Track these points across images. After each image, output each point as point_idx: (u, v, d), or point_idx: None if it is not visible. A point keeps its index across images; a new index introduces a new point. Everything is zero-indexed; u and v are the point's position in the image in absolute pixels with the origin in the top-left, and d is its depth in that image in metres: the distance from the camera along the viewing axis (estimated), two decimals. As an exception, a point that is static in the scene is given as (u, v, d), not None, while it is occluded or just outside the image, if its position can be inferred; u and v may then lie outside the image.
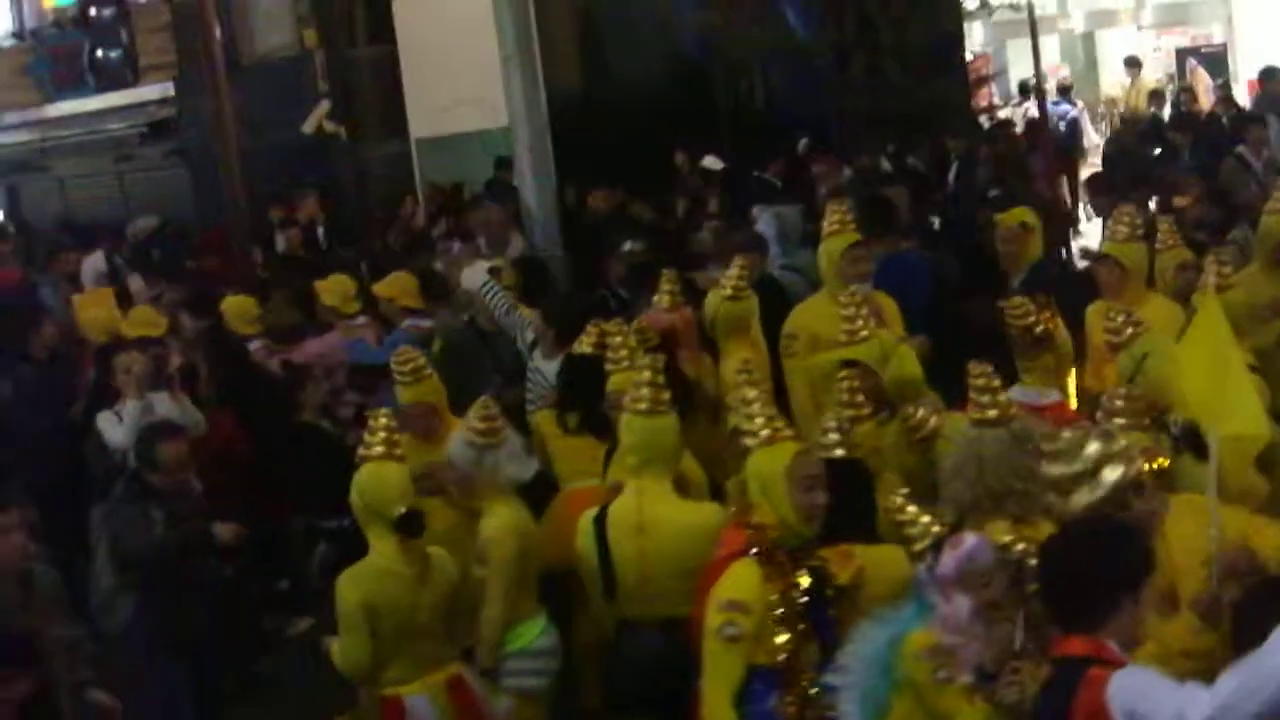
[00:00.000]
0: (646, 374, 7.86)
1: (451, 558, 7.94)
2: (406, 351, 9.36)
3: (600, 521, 7.75)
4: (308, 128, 22.95)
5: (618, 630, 7.85)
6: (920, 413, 7.81)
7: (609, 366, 9.22)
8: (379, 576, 7.62)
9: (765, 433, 6.66)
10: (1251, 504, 6.85)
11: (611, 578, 7.68)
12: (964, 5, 25.58)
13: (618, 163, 19.83)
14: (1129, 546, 5.29)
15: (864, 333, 8.76)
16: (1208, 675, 5.10)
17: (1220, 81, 26.74)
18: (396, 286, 12.99)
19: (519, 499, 8.16)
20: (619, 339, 9.36)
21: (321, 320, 13.48)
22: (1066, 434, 6.06)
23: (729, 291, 9.98)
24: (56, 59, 27.69)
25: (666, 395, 7.83)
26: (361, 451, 7.86)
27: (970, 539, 5.83)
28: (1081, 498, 5.92)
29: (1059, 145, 23.37)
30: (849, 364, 8.45)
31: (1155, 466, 6.52)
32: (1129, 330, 8.13)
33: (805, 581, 6.47)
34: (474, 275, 11.89)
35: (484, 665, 7.97)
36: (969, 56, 26.42)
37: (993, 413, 6.86)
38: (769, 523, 6.52)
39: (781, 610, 6.38)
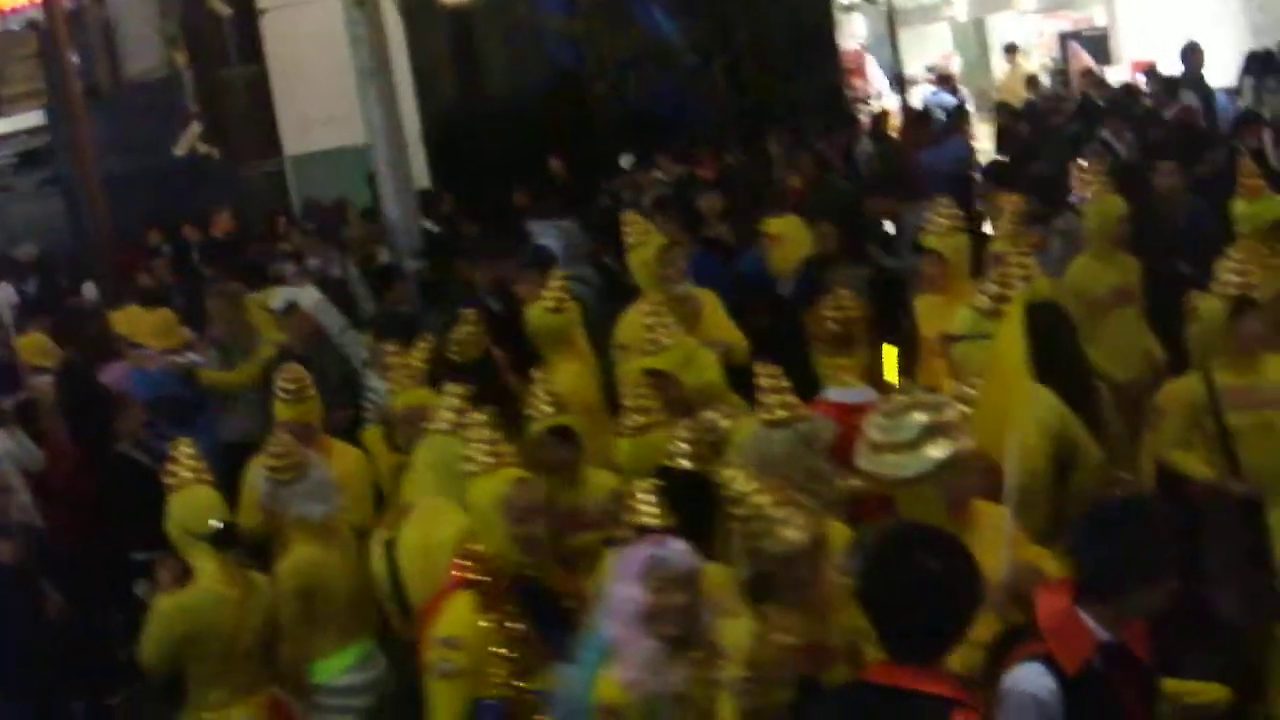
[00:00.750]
0: (453, 400, 7.85)
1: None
2: (293, 369, 9.29)
3: (390, 544, 7.69)
4: (180, 150, 22.91)
5: (404, 653, 7.75)
6: (710, 416, 7.83)
7: (391, 387, 9.23)
8: (204, 600, 7.63)
9: (485, 460, 6.59)
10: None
11: (405, 600, 7.60)
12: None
13: (494, 171, 19.95)
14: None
15: (665, 340, 8.80)
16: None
17: (1083, 67, 26.87)
18: (133, 324, 13.05)
19: (321, 534, 8.05)
20: (396, 359, 9.35)
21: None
22: (899, 398, 5.94)
23: (550, 304, 9.94)
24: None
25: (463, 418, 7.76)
26: (169, 481, 7.87)
27: (675, 542, 5.78)
28: (896, 468, 5.82)
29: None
30: (652, 373, 8.51)
31: None
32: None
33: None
34: (307, 295, 11.90)
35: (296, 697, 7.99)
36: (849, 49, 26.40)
37: (781, 413, 6.88)
38: (488, 552, 6.44)
39: (500, 642, 6.30)
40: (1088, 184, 10.60)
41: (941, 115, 24.14)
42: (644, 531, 6.03)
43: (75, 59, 18.28)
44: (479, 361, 10.11)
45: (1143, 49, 28.24)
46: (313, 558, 7.92)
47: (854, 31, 29.07)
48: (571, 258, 13.99)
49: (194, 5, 22.86)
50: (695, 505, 6.75)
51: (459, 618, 6.28)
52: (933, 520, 5.70)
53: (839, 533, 6.27)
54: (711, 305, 10.46)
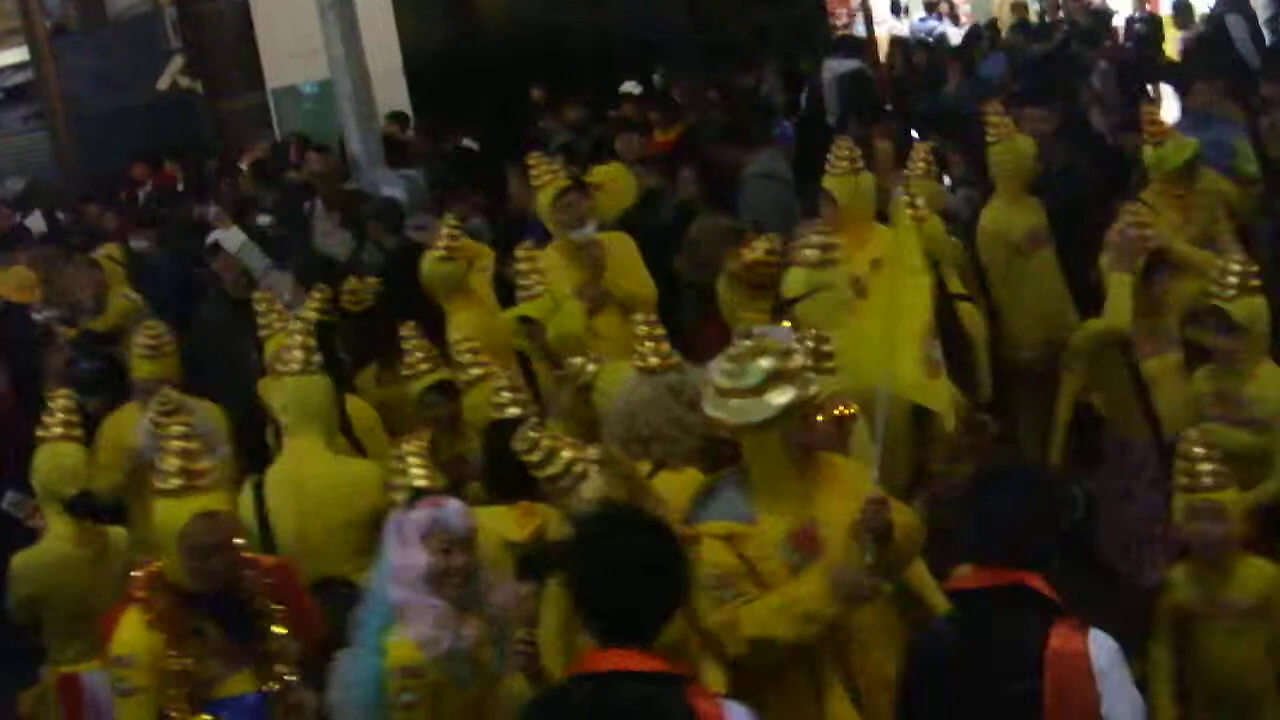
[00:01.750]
0: (298, 336, 7.89)
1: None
2: (152, 325, 9.31)
3: (259, 484, 7.78)
4: (162, 84, 22.94)
5: None
6: (578, 362, 7.88)
7: (262, 333, 9.28)
8: (53, 560, 7.73)
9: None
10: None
11: (270, 537, 7.66)
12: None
13: (479, 103, 20.00)
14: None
15: (537, 289, 8.85)
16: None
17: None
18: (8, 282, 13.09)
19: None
20: (264, 306, 9.42)
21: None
22: (745, 344, 5.85)
23: (440, 252, 9.93)
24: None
25: (317, 356, 7.86)
26: (40, 432, 7.95)
27: (452, 503, 5.81)
28: (740, 414, 5.77)
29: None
30: (524, 320, 8.59)
31: (843, 412, 6.57)
32: (812, 252, 8.23)
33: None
34: (231, 238, 11.95)
35: None
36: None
37: (653, 360, 6.84)
38: (162, 569, 6.17)
39: (173, 662, 6.06)
40: (995, 126, 10.43)
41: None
42: (419, 494, 6.02)
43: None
44: (368, 311, 10.16)
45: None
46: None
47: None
48: (417, 208, 14.16)
49: (177, -60, 22.89)
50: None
51: (131, 636, 6.05)
52: (776, 467, 5.81)
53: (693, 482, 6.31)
54: (622, 251, 10.21)
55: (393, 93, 22.22)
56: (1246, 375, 7.66)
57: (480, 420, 7.84)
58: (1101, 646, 4.82)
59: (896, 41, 22.95)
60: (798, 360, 5.90)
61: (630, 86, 20.16)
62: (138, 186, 20.85)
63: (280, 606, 6.27)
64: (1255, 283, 7.65)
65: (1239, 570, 6.67)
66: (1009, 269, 10.36)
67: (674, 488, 6.18)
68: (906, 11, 26.78)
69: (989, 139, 10.48)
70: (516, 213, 13.05)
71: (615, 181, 12.42)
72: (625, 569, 4.64)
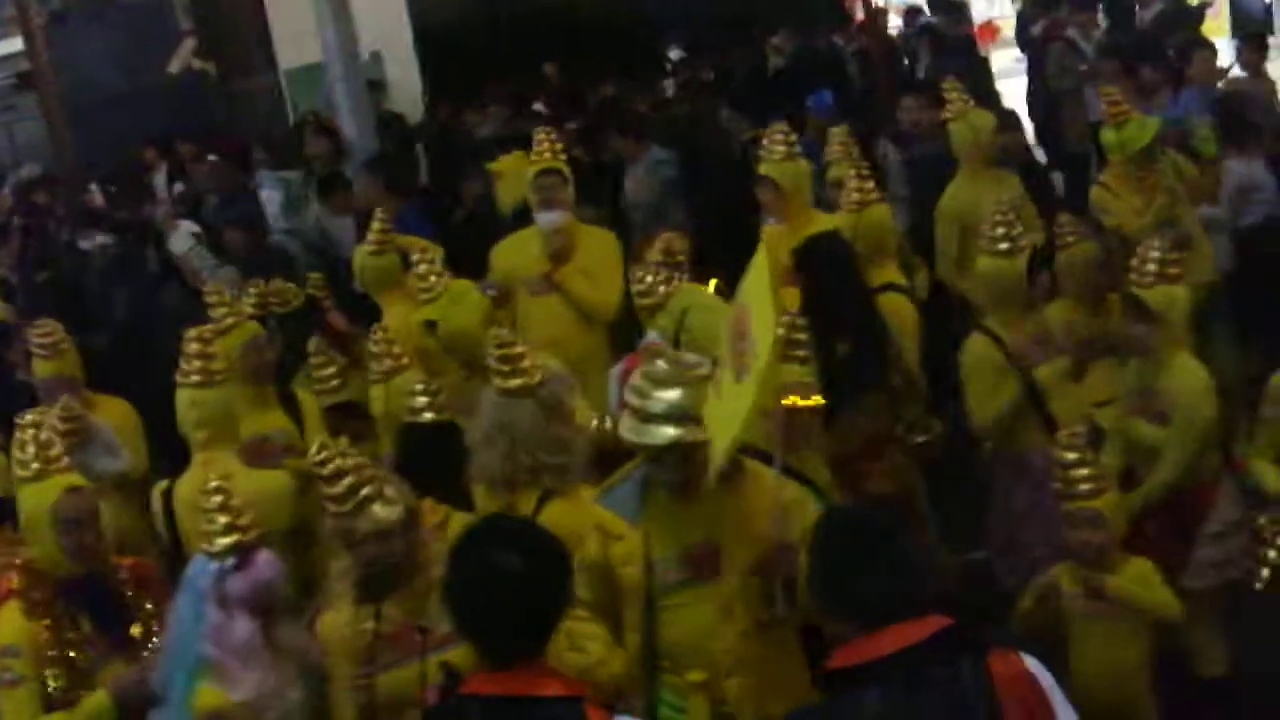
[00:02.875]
0: (194, 346, 7.80)
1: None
2: (47, 324, 9.21)
3: (168, 494, 7.73)
4: (174, 67, 23.00)
5: None
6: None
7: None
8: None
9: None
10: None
11: (180, 547, 7.57)
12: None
13: (489, 77, 20.00)
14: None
15: (438, 289, 8.81)
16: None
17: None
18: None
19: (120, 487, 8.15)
20: (215, 299, 9.14)
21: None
22: (663, 366, 5.80)
23: (371, 246, 9.85)
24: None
25: (217, 365, 7.80)
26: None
27: (261, 558, 5.73)
28: (634, 433, 5.74)
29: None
30: (429, 324, 8.60)
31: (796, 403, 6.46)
32: (661, 289, 8.03)
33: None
34: (179, 239, 11.97)
35: None
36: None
37: (515, 382, 6.54)
38: (33, 558, 6.36)
39: (54, 649, 6.22)
40: (951, 102, 10.37)
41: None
42: (236, 549, 5.82)
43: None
44: (300, 310, 10.10)
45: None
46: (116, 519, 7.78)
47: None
48: (292, 209, 14.26)
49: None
50: (439, 458, 6.75)
51: (11, 627, 6.20)
52: (670, 488, 5.81)
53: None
54: (597, 251, 10.07)
55: (404, 71, 22.37)
56: (1162, 366, 7.47)
57: (390, 417, 7.79)
58: (1037, 664, 4.50)
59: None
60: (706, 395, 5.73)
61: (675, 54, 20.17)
62: (149, 171, 20.88)
63: (149, 604, 6.40)
64: (1175, 271, 7.48)
65: (1120, 573, 6.59)
66: (966, 250, 10.03)
67: (567, 517, 6.06)
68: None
69: (945, 115, 10.42)
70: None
71: (516, 171, 12.10)
72: (497, 583, 4.53)
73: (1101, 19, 19.46)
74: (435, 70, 21.99)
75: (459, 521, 6.33)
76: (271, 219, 14.29)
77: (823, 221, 9.26)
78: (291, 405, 8.85)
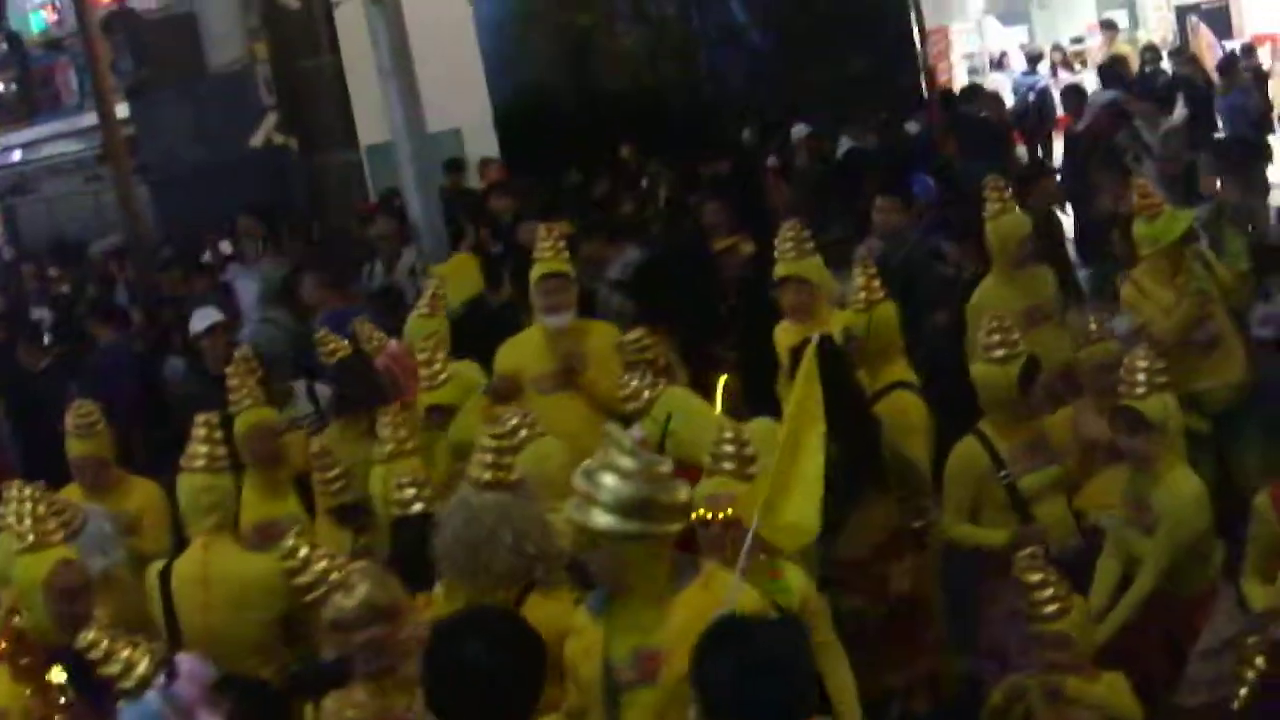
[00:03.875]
0: (201, 431, 7.97)
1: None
2: (84, 404, 9.48)
3: (165, 575, 7.87)
4: (256, 141, 23.34)
5: None
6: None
7: (231, 409, 9.37)
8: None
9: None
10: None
11: (176, 628, 7.76)
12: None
13: (566, 155, 20.22)
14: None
15: (442, 376, 8.96)
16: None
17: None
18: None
19: (102, 586, 7.92)
20: (237, 381, 9.51)
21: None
22: (625, 461, 5.69)
23: (424, 309, 10.29)
24: (39, 82, 28.35)
25: (222, 451, 7.96)
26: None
27: (182, 661, 5.74)
28: (577, 512, 5.70)
29: (1026, 118, 23.18)
30: (433, 409, 8.75)
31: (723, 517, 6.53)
32: (645, 394, 8.16)
33: (60, 678, 6.38)
34: (199, 319, 12.36)
35: None
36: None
37: (488, 475, 6.69)
38: (24, 626, 6.51)
39: (43, 712, 6.34)
40: (992, 199, 10.32)
41: (1030, 97, 24.07)
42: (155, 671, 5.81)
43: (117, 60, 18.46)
44: (346, 361, 10.27)
45: (1265, 20, 27.85)
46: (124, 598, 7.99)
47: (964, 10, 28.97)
48: (269, 300, 14.65)
49: (270, -1, 23.25)
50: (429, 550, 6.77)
51: (1, 690, 6.35)
52: (619, 581, 5.75)
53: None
54: (606, 346, 10.04)
55: (483, 145, 22.67)
56: (1156, 479, 7.50)
57: (387, 500, 7.87)
58: None
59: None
60: (675, 496, 5.75)
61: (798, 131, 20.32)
62: (238, 240, 21.13)
63: None
64: (1163, 379, 7.57)
65: (1088, 688, 6.59)
66: None
67: (545, 611, 6.17)
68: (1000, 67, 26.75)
69: (985, 214, 10.39)
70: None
71: (461, 271, 12.68)
72: (467, 676, 4.66)
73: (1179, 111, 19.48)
74: (513, 148, 22.25)
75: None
76: (247, 309, 14.58)
77: (840, 319, 9.33)
78: (306, 492, 9.00)
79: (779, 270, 9.67)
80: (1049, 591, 6.52)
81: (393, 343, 10.28)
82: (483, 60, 22.73)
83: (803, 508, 6.19)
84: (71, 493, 9.09)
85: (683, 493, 5.78)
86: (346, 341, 10.50)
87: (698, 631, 5.37)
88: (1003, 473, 8.14)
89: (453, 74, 21.73)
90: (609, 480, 5.62)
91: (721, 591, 5.74)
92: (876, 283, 9.13)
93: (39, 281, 23.14)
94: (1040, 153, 22.66)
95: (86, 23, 18.63)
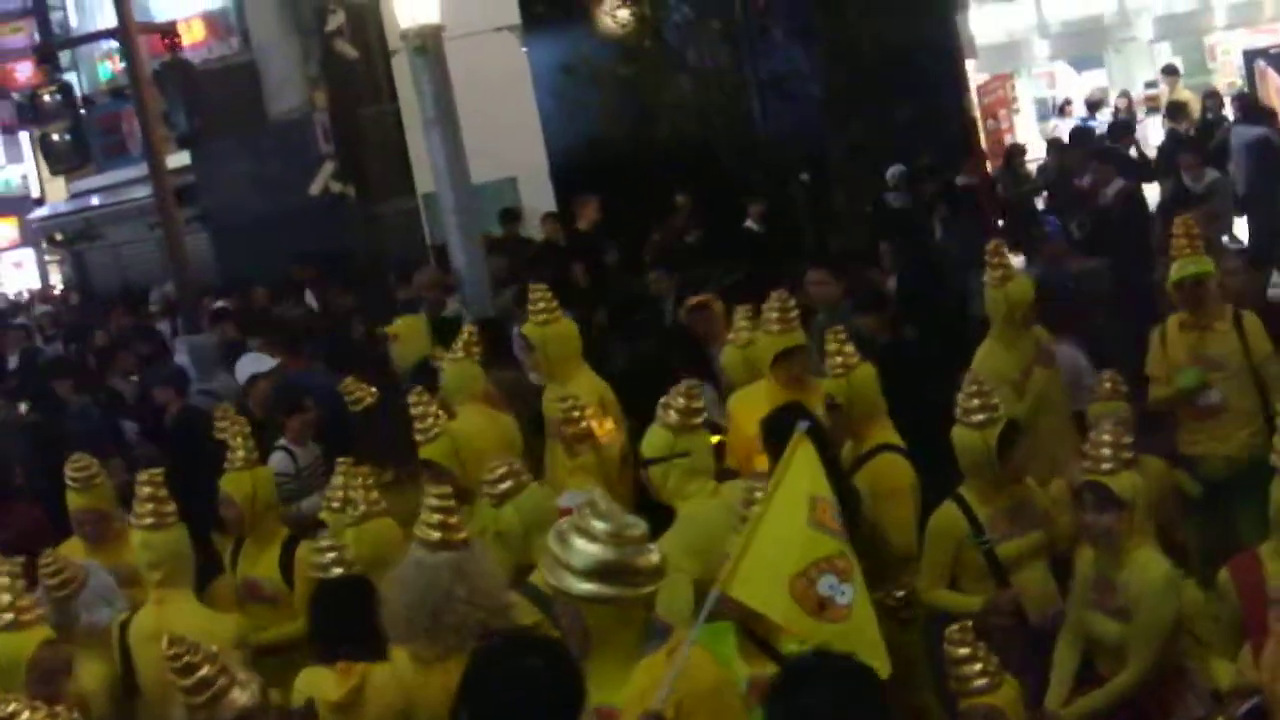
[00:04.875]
0: (146, 489, 8.13)
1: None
2: (82, 458, 9.52)
3: (124, 628, 8.08)
4: (314, 189, 23.75)
5: None
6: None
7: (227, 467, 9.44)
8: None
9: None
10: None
11: (133, 684, 7.98)
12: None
13: (623, 206, 20.50)
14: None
15: (435, 430, 9.17)
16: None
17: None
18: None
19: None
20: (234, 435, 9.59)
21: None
22: (599, 525, 5.76)
23: (459, 353, 10.62)
24: (104, 129, 28.93)
25: (170, 508, 8.12)
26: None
27: None
28: (548, 571, 5.80)
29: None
30: (425, 463, 8.95)
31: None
32: (502, 486, 7.87)
33: None
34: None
35: None
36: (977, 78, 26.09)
37: (437, 535, 6.83)
38: None
39: None
40: (993, 265, 10.37)
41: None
42: None
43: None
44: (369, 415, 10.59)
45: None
46: (102, 671, 8.11)
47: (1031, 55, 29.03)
48: (204, 372, 14.98)
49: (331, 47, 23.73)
50: (352, 614, 7.04)
51: None
52: (589, 642, 5.75)
53: None
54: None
55: (540, 194, 22.98)
56: (1124, 559, 7.33)
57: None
58: None
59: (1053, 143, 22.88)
60: (647, 560, 5.82)
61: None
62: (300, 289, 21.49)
63: None
64: (1129, 455, 7.42)
65: None
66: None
67: None
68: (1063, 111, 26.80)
69: (986, 280, 10.48)
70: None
71: (410, 331, 13.06)
72: (515, 688, 4.89)
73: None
74: (569, 198, 22.57)
75: (380, 675, 6.69)
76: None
77: (824, 387, 9.31)
78: (289, 558, 9.16)
79: (784, 343, 9.73)
80: (977, 666, 6.32)
81: None
82: (539, 110, 22.90)
83: (770, 580, 6.17)
84: (73, 546, 9.29)
85: (654, 556, 5.85)
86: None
87: (652, 697, 5.58)
88: (982, 539, 8.11)
89: (509, 123, 22.06)
90: (580, 544, 5.73)
91: (676, 657, 5.77)
92: (849, 348, 9.11)
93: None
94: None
95: (137, 75, 19.04)
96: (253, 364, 12.74)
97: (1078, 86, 29.27)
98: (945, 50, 22.07)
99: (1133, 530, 7.35)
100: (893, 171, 20.01)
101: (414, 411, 9.27)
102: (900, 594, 8.37)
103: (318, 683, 6.85)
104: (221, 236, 25.56)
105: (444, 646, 6.62)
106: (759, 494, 6.48)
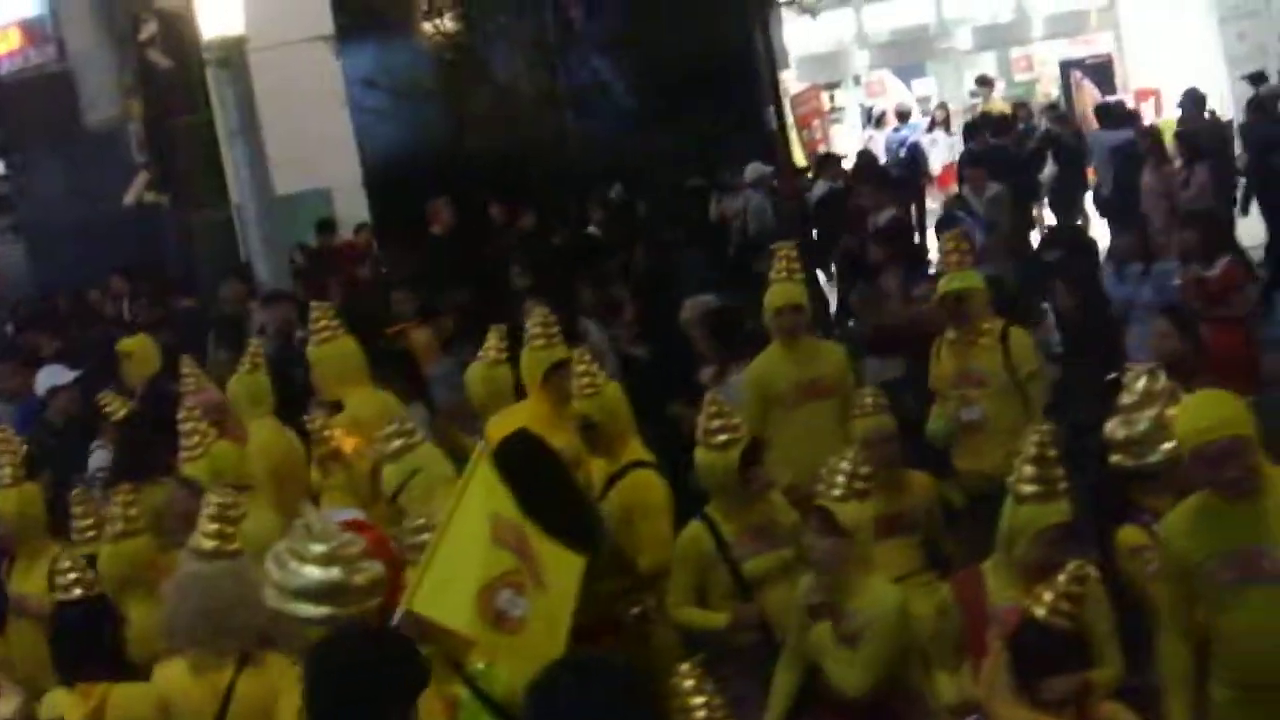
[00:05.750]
0: (77, 509, 8.55)
1: None
2: None
3: None
4: (129, 199, 23.90)
5: None
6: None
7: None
8: None
9: None
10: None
11: None
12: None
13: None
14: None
15: (199, 449, 9.46)
16: None
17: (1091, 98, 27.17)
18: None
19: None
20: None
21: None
22: (316, 547, 5.95)
23: (246, 367, 10.49)
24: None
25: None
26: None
27: None
28: (273, 601, 5.98)
29: (897, 174, 23.72)
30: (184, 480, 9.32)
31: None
32: (396, 442, 8.34)
33: None
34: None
35: None
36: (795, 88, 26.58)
37: (212, 544, 6.98)
38: None
39: None
40: (776, 270, 10.50)
41: (901, 153, 24.74)
42: None
43: None
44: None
45: (1148, 75, 28.62)
46: None
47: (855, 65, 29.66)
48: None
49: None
50: (92, 636, 7.20)
51: None
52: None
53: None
54: None
55: (354, 206, 23.27)
56: (852, 588, 7.41)
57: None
58: None
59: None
60: (367, 576, 5.99)
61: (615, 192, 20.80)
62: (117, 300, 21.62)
63: None
64: (863, 485, 7.50)
65: None
66: (768, 419, 10.34)
67: (259, 685, 6.64)
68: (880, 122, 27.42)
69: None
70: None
71: (141, 351, 13.18)
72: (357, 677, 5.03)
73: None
74: (382, 207, 22.87)
75: (122, 694, 6.88)
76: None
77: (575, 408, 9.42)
78: None
79: (551, 358, 9.92)
80: (702, 699, 6.06)
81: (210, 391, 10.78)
82: (352, 121, 23.15)
83: (456, 594, 6.46)
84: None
85: (374, 570, 6.05)
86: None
87: None
88: (728, 556, 8.22)
89: (323, 134, 22.37)
90: (296, 567, 5.93)
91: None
92: (595, 366, 9.29)
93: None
94: (913, 209, 22.95)
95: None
96: (52, 376, 12.93)
97: (902, 96, 29.88)
98: (752, 62, 22.45)
99: (856, 560, 7.44)
100: (692, 184, 20.41)
101: (183, 429, 9.49)
102: (636, 610, 8.54)
103: (59, 705, 6.91)
104: (37, 246, 25.62)
105: (222, 653, 6.79)
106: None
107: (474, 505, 6.72)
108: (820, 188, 20.26)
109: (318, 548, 5.93)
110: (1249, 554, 6.55)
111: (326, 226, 22.40)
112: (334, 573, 5.91)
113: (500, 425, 9.33)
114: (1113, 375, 8.71)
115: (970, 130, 22.98)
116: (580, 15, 22.20)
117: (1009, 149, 21.83)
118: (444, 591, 6.41)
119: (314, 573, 5.89)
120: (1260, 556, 6.52)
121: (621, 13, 21.30)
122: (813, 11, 21.59)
